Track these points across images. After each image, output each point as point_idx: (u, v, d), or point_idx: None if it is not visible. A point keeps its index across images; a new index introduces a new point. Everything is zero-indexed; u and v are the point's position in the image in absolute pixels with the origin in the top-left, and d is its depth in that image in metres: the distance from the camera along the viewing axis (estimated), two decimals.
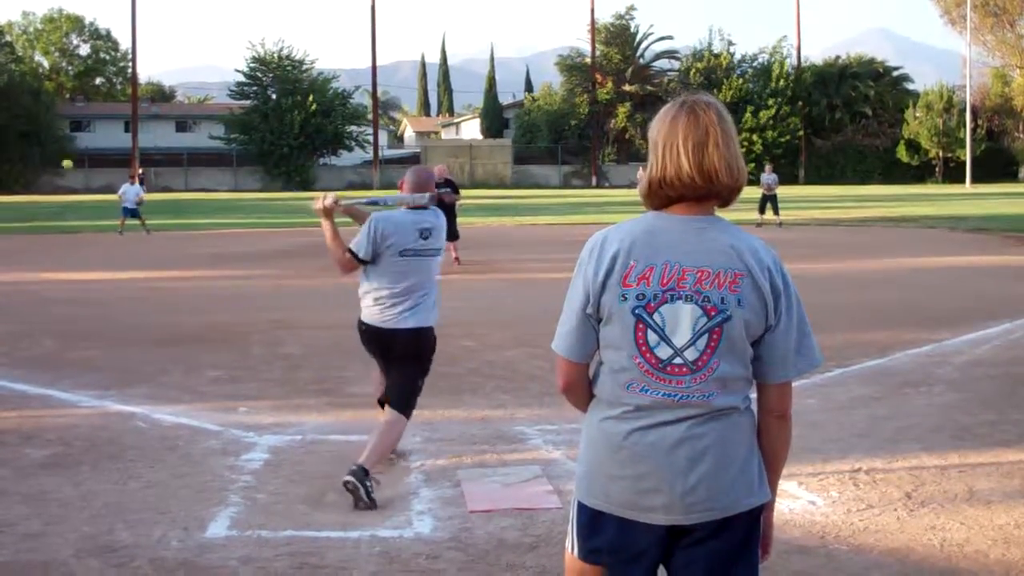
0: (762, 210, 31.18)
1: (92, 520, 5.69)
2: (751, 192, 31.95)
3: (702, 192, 2.79)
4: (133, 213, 31.62)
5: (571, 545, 2.97)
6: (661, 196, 2.81)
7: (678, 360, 2.75)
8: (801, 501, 5.99)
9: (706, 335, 2.73)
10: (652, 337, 2.75)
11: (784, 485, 6.16)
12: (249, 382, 9.57)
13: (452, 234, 20.36)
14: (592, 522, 2.88)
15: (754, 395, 2.94)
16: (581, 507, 2.92)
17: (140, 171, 51.86)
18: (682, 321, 2.74)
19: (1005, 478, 6.40)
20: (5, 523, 5.65)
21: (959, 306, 14.24)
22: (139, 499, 6.09)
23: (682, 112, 2.81)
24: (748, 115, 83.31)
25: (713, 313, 2.72)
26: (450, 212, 20.20)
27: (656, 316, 2.75)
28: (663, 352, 2.75)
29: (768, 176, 31.98)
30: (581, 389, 2.94)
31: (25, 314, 14.32)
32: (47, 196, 68.83)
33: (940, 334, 11.67)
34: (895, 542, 5.33)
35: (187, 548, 5.28)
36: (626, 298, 2.75)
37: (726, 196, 2.84)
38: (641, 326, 2.76)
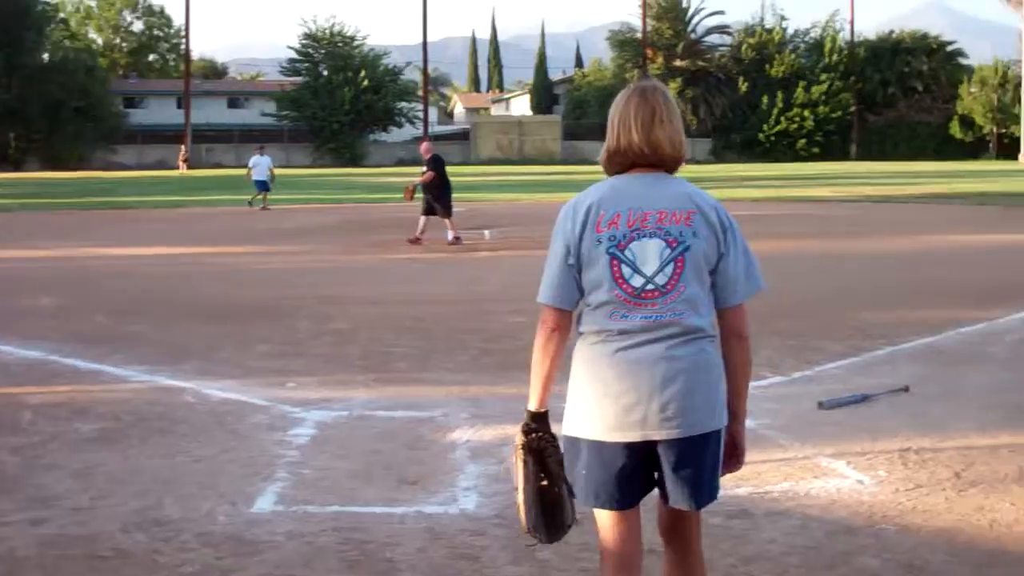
0: None
1: (140, 494, 5.74)
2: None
3: (650, 160, 3.29)
4: (266, 186, 31.51)
5: (579, 494, 3.33)
6: (616, 163, 3.35)
7: (650, 286, 3.20)
8: (849, 480, 5.92)
9: (672, 263, 3.20)
10: (626, 270, 3.21)
11: (832, 464, 6.16)
12: (297, 357, 9.62)
13: (446, 209, 20.14)
14: (577, 454, 3.30)
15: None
16: (571, 442, 3.32)
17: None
18: (649, 253, 3.21)
19: None
20: (54, 497, 5.72)
21: (1012, 284, 14.01)
22: (187, 474, 6.15)
23: (634, 95, 3.33)
24: (800, 91, 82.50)
25: (675, 244, 3.21)
26: (441, 189, 19.97)
27: (627, 252, 3.21)
28: (636, 281, 3.20)
29: None
30: (563, 336, 3.31)
31: (77, 289, 14.50)
32: (100, 172, 69.66)
33: (992, 312, 11.49)
34: (943, 522, 5.26)
35: (234, 523, 5.32)
36: (600, 241, 3.22)
37: (670, 165, 3.33)
38: (615, 262, 3.21)
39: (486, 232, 22.90)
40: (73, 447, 6.70)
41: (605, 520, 3.34)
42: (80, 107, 77.00)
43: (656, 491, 3.34)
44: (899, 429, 6.92)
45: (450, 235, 19.94)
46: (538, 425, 3.31)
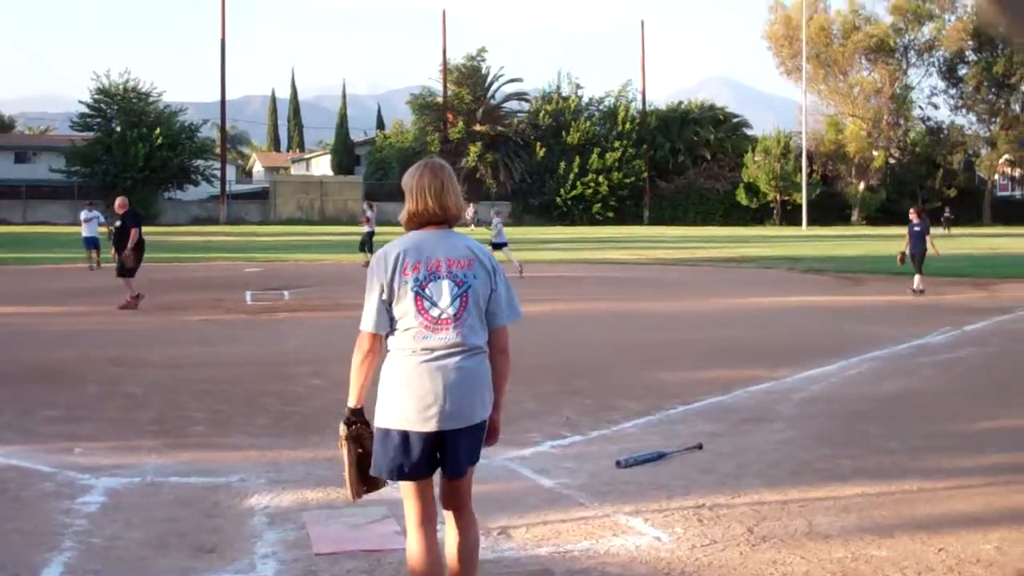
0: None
1: None
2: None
3: (439, 219, 4.42)
4: (95, 243, 30.04)
5: (377, 469, 4.34)
6: (415, 222, 4.44)
7: (444, 316, 4.28)
8: (647, 537, 6.04)
9: (459, 299, 4.30)
10: (426, 304, 4.27)
11: (630, 521, 6.29)
12: (86, 422, 9.23)
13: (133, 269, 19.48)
14: (387, 441, 4.28)
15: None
16: (383, 432, 4.30)
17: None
18: (444, 291, 4.29)
19: (843, 512, 6.58)
20: None
21: (797, 344, 14.66)
22: None
23: (426, 171, 4.43)
24: (595, 157, 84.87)
25: (461, 284, 4.31)
26: (137, 247, 19.30)
27: (427, 290, 4.28)
28: (435, 312, 4.28)
29: None
30: (376, 354, 4.33)
31: None
32: None
33: (779, 371, 11.98)
34: None
35: None
36: (407, 282, 4.28)
37: (453, 221, 4.47)
38: (419, 298, 4.28)
39: (286, 293, 22.59)
40: None
41: (409, 490, 4.35)
42: None
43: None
44: (694, 486, 7.12)
45: (129, 296, 19.18)
46: (357, 418, 4.40)
